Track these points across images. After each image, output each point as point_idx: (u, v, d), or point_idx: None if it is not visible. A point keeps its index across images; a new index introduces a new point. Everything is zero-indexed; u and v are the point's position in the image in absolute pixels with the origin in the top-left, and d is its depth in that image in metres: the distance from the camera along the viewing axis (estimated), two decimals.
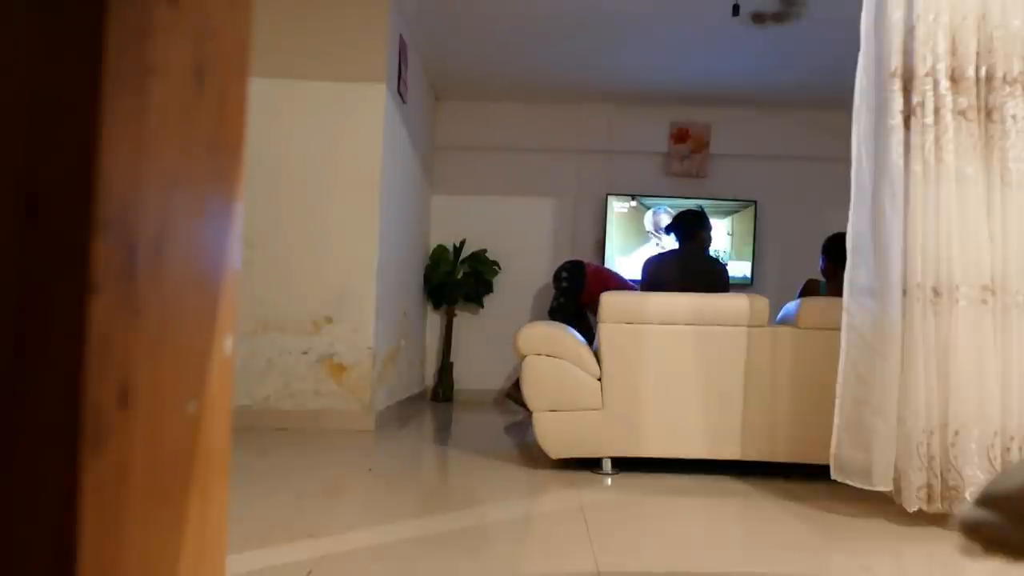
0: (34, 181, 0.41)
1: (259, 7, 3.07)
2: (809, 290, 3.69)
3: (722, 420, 2.90)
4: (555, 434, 2.95)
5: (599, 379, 2.96)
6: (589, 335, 3.94)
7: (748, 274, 6.06)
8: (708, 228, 4.02)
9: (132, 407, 0.44)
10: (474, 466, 3.12)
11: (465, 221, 6.10)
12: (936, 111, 2.27)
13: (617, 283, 5.11)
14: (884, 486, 2.26)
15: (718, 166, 6.16)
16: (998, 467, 2.16)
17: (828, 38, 4.60)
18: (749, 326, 2.93)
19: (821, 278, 3.74)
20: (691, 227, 3.89)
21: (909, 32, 2.31)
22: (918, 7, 2.30)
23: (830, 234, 3.63)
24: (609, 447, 2.94)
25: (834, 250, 3.60)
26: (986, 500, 0.68)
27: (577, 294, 5.11)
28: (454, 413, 5.20)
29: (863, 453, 2.28)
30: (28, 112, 0.42)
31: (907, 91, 2.31)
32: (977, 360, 2.21)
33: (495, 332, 5.99)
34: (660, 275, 3.73)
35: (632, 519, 2.38)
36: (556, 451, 2.97)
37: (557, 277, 5.30)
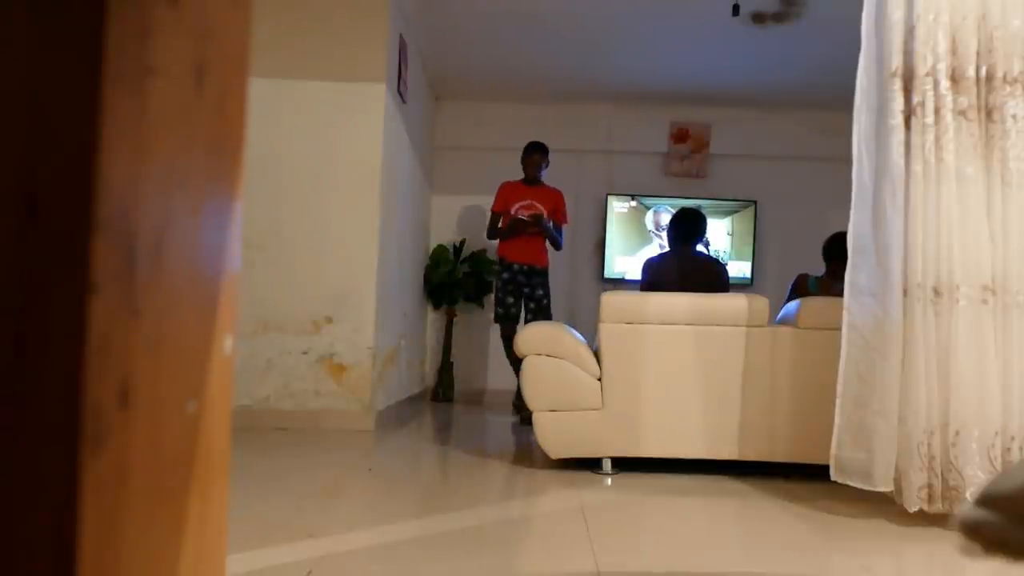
0: (34, 181, 0.41)
1: (259, 7, 3.06)
2: (799, 285, 3.71)
3: (722, 420, 2.90)
4: (555, 434, 2.95)
5: (599, 379, 2.96)
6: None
7: (748, 274, 6.06)
8: (703, 227, 4.02)
9: (132, 407, 0.44)
10: (474, 466, 3.12)
11: (465, 221, 6.10)
12: (936, 111, 2.27)
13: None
14: (885, 486, 2.25)
15: (718, 166, 6.16)
16: (999, 467, 2.16)
17: (828, 38, 4.60)
18: (748, 326, 2.93)
19: (811, 273, 3.76)
20: (690, 227, 3.89)
21: (909, 32, 2.31)
22: (918, 7, 2.30)
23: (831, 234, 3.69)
24: (609, 447, 2.94)
25: (836, 249, 3.63)
26: (986, 500, 0.68)
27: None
28: (454, 413, 5.20)
29: (864, 453, 2.27)
30: (28, 112, 0.42)
31: (907, 91, 2.31)
32: (978, 360, 2.20)
33: (495, 332, 5.98)
34: (660, 275, 3.73)
35: (632, 519, 2.38)
36: (556, 451, 2.97)
37: None
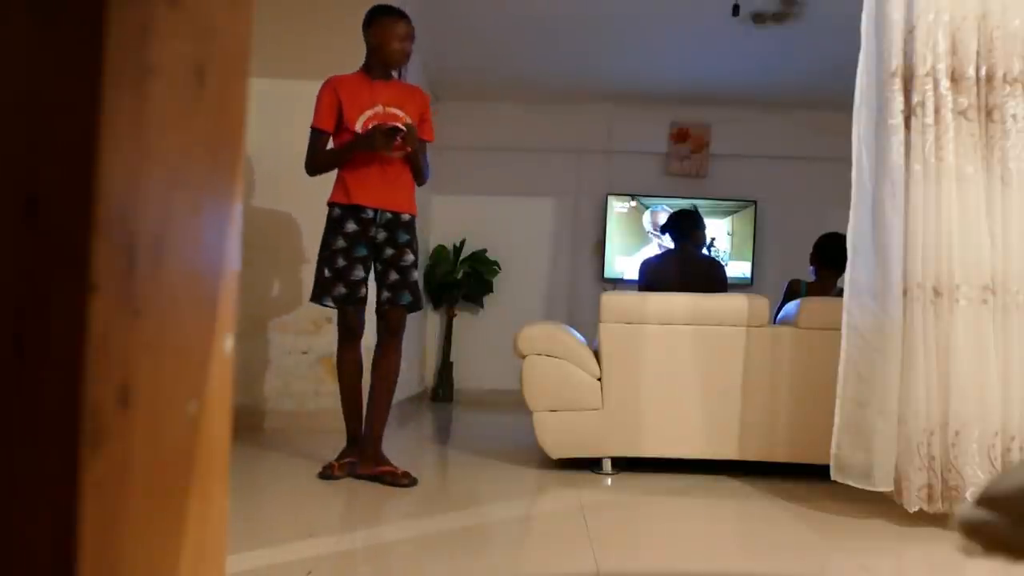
0: (34, 181, 0.41)
1: (259, 7, 3.03)
2: (792, 290, 3.72)
3: (722, 420, 2.90)
4: (555, 434, 2.95)
5: (599, 379, 2.96)
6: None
7: (748, 274, 6.06)
8: (703, 227, 4.03)
9: (132, 407, 0.44)
10: (474, 466, 3.12)
11: (465, 221, 6.10)
12: (936, 111, 2.27)
13: None
14: (885, 486, 2.25)
15: (718, 166, 6.15)
16: (999, 467, 2.16)
17: (828, 38, 4.59)
18: (748, 326, 2.93)
19: (805, 279, 3.78)
20: (688, 226, 3.90)
21: (909, 32, 2.31)
22: (918, 7, 2.30)
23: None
24: (609, 447, 2.94)
25: (822, 249, 3.66)
26: (986, 500, 0.68)
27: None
28: (454, 413, 5.20)
29: (864, 453, 2.27)
30: (28, 112, 0.42)
31: (907, 91, 2.31)
32: (978, 360, 2.20)
33: (495, 332, 5.98)
34: (659, 276, 3.73)
35: (632, 519, 2.38)
36: (556, 451, 2.97)
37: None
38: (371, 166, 2.73)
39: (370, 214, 2.73)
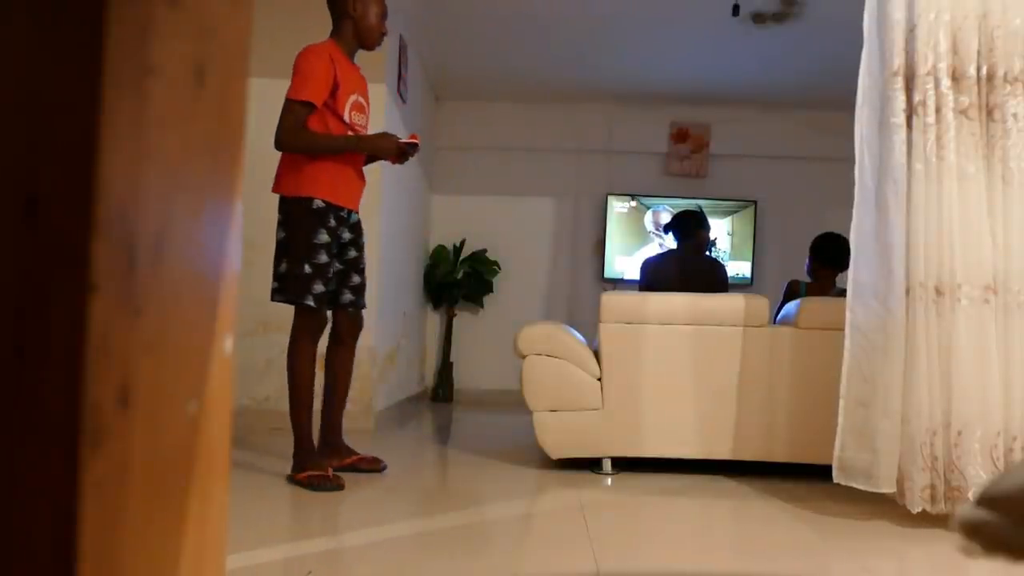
0: (34, 181, 0.41)
1: (259, 7, 3.02)
2: (792, 291, 3.72)
3: (721, 420, 2.90)
4: (555, 434, 2.95)
5: (599, 379, 2.96)
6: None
7: (748, 274, 6.06)
8: (707, 228, 4.04)
9: (132, 407, 0.44)
10: (474, 466, 3.12)
11: (465, 221, 6.10)
12: (938, 110, 2.27)
13: None
14: (889, 487, 2.25)
15: (718, 166, 6.16)
16: (1001, 467, 2.16)
17: (828, 38, 4.60)
18: (748, 326, 2.93)
19: (804, 279, 3.78)
20: (690, 227, 3.90)
21: (910, 31, 2.32)
22: (919, 6, 2.30)
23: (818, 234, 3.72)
24: (609, 447, 2.94)
25: (819, 249, 3.66)
26: (987, 500, 0.68)
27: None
28: (454, 413, 5.20)
29: (868, 454, 2.27)
30: (28, 112, 0.42)
31: (909, 90, 2.31)
32: (980, 360, 2.20)
33: (495, 332, 5.99)
34: (659, 276, 3.73)
35: (632, 519, 2.38)
36: (556, 451, 2.97)
37: None
38: (355, 164, 2.69)
39: (344, 213, 2.67)
